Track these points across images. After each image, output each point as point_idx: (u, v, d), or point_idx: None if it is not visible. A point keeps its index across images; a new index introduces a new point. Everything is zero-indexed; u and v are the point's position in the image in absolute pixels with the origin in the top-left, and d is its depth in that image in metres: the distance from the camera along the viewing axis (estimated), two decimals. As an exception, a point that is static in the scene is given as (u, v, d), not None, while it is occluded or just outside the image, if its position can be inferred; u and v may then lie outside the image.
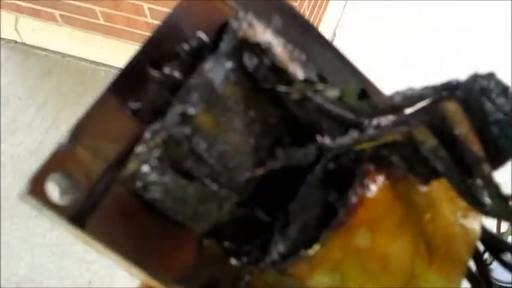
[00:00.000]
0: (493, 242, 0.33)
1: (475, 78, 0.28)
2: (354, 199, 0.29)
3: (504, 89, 0.28)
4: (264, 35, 0.30)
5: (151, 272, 0.29)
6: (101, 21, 1.71)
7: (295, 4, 1.54)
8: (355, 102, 0.30)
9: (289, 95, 0.30)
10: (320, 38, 0.34)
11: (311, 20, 1.75)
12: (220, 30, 0.30)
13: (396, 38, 1.80)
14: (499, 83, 0.28)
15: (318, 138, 0.31)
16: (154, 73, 0.29)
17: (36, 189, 0.26)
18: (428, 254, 0.30)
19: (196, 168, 0.28)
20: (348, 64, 0.34)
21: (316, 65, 0.32)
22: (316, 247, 0.28)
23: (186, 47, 0.30)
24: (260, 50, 0.29)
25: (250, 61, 0.29)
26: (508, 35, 1.71)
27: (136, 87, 0.29)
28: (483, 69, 0.31)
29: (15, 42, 1.96)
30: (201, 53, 0.30)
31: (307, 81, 0.30)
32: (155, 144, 0.27)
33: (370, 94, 0.34)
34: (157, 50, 0.29)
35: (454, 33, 1.79)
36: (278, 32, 0.31)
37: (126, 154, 0.28)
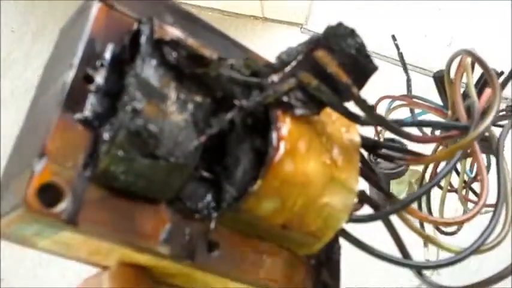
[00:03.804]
0: (369, 143, 0.45)
1: (329, 29, 0.38)
2: (275, 139, 0.38)
3: (351, 31, 0.38)
4: (173, 32, 0.37)
5: (139, 245, 0.35)
6: None
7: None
8: (256, 68, 0.39)
9: (207, 74, 0.37)
10: (206, 25, 0.42)
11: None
12: (133, 36, 0.37)
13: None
14: (346, 28, 0.38)
15: (236, 102, 0.38)
16: (90, 86, 0.35)
17: (33, 206, 0.31)
18: (333, 163, 0.40)
19: (156, 149, 0.34)
20: (232, 41, 0.43)
21: (212, 47, 0.39)
22: (259, 182, 0.37)
23: (107, 57, 0.36)
24: (175, 45, 0.36)
25: (170, 55, 0.36)
26: (508, 35, 1.70)
27: (79, 101, 0.34)
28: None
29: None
30: (120, 59, 0.36)
31: (220, 60, 0.38)
32: (119, 140, 0.33)
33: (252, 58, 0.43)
34: (86, 65, 0.35)
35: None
36: (174, 26, 0.38)
37: (90, 157, 0.34)
